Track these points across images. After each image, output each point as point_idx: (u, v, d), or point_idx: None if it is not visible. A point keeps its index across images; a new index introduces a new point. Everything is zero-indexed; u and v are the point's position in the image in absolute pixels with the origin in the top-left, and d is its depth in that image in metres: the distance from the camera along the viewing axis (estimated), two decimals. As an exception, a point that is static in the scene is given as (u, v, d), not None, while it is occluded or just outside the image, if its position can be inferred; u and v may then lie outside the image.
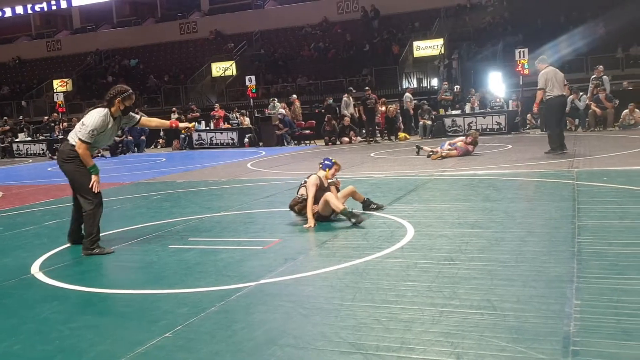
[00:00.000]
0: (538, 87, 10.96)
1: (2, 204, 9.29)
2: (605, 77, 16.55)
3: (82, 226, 5.54)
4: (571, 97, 16.25)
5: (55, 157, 19.44)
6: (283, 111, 19.80)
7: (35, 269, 4.87)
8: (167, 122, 6.30)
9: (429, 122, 18.27)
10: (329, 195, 5.89)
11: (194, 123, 6.73)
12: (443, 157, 11.36)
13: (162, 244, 5.55)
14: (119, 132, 20.42)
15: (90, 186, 5.35)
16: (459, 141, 11.83)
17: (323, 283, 3.95)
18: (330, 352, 2.81)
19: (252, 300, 3.73)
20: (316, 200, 5.93)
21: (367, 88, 18.81)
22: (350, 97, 19.00)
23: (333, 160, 6.32)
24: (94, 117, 5.33)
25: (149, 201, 8.69)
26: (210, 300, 3.73)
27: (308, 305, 3.51)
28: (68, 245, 5.73)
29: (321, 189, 6.03)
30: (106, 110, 5.39)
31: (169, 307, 3.69)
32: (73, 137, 5.43)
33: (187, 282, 4.24)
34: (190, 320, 3.38)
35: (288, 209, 6.16)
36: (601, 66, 17.03)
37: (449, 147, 11.68)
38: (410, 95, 19.52)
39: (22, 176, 14.92)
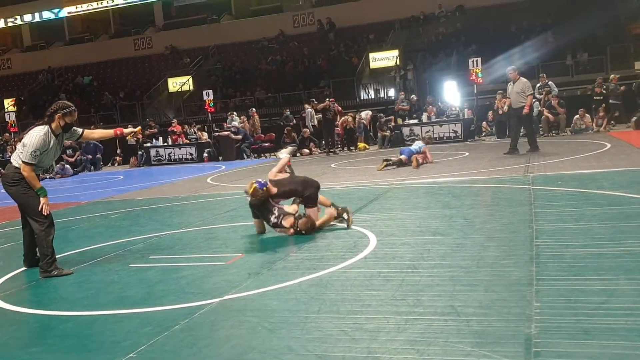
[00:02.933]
0: (528, 93, 11.96)
1: (-48, 228, 8.94)
2: (550, 82, 17.11)
3: (37, 249, 5.35)
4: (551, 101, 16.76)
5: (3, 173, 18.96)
6: (236, 123, 19.74)
7: (-11, 295, 4.70)
8: (110, 132, 6.05)
9: (387, 133, 18.51)
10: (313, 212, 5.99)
11: (139, 127, 6.52)
12: (398, 166, 11.48)
13: (123, 263, 5.45)
14: (70, 151, 20.09)
15: (39, 209, 5.16)
16: (421, 146, 11.95)
17: (288, 296, 3.94)
18: (298, 366, 2.81)
19: (217, 317, 3.69)
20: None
21: (331, 98, 18.93)
22: (313, 108, 18.97)
23: (265, 187, 5.89)
24: (34, 136, 5.12)
25: (107, 220, 8.52)
26: (173, 318, 3.68)
27: (273, 320, 3.50)
28: (24, 268, 5.56)
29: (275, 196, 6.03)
30: (46, 127, 5.18)
31: (132, 327, 3.62)
32: (16, 159, 5.23)
33: (150, 301, 4.16)
34: (154, 340, 3.32)
35: (262, 225, 6.13)
36: (543, 74, 17.65)
37: (416, 150, 11.77)
38: (369, 112, 19.89)
39: (-27, 199, 14.39)
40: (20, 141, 5.37)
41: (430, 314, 3.31)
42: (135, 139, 7.40)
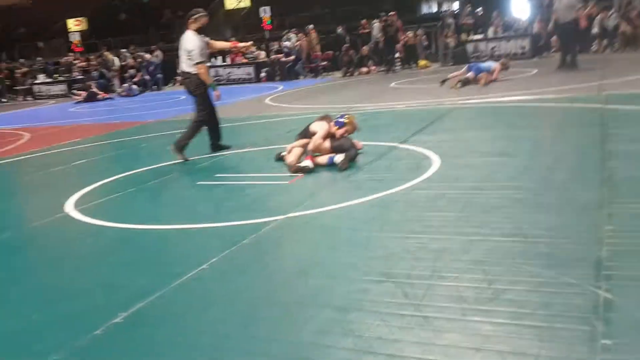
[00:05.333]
0: (579, 6, 11.85)
1: (29, 146, 9.43)
2: None
3: (214, 134, 6.75)
4: (599, 16, 15.69)
5: (76, 95, 19.63)
6: (289, 43, 19.41)
7: (69, 208, 4.99)
8: (228, 44, 6.90)
9: (452, 42, 17.60)
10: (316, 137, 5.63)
11: (251, 42, 7.21)
12: (464, 85, 11.13)
13: (191, 180, 5.65)
14: (134, 71, 20.46)
15: (216, 99, 6.49)
16: (491, 66, 11.51)
17: (350, 215, 4.00)
18: (362, 281, 2.88)
19: (282, 233, 3.80)
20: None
21: (392, 12, 18.26)
22: (382, 22, 18.29)
23: (346, 121, 5.81)
24: (191, 40, 6.20)
25: (173, 139, 8.73)
26: (241, 233, 3.81)
27: (336, 237, 3.57)
28: (100, 183, 5.86)
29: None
30: (190, 31, 6.23)
31: (203, 241, 3.79)
32: (189, 66, 6.34)
33: (218, 216, 4.32)
34: (224, 253, 3.46)
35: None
36: None
37: (485, 68, 11.36)
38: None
39: (47, 117, 15.05)
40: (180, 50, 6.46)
41: (496, 235, 3.28)
42: (248, 52, 7.99)
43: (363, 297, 2.70)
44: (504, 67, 11.58)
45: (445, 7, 24.44)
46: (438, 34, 17.58)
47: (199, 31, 6.33)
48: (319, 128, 5.73)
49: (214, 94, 6.54)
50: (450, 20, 17.90)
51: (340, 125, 5.80)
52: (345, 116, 5.87)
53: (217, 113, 6.81)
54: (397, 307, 2.57)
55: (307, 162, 5.47)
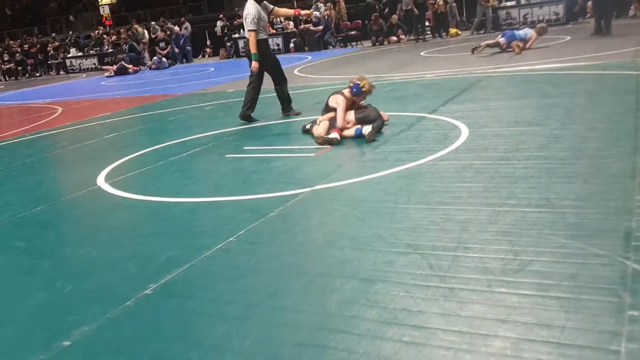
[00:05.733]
0: None
1: (62, 119, 9.63)
2: None
3: (282, 96, 7.21)
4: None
5: (105, 69, 19.87)
6: (317, 13, 19.18)
7: (101, 181, 5.11)
8: (291, 11, 7.04)
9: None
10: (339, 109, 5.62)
11: (311, 10, 7.57)
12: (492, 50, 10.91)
13: (219, 153, 5.69)
14: (163, 44, 20.57)
15: (252, 68, 6.78)
16: (527, 34, 11.22)
17: (377, 187, 4.00)
18: (387, 253, 2.89)
19: (309, 205, 3.83)
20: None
21: None
22: None
23: (363, 88, 5.78)
24: (248, 8, 6.51)
25: (202, 111, 8.83)
26: (269, 205, 3.85)
27: (363, 209, 3.58)
28: (129, 157, 5.98)
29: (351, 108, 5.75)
30: (250, 1, 6.55)
31: (231, 213, 3.84)
32: (245, 32, 6.79)
33: (246, 189, 4.37)
34: (252, 225, 3.51)
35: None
36: None
37: (522, 36, 11.08)
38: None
39: (78, 91, 15.30)
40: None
41: (523, 206, 3.25)
42: (309, 18, 8.19)
43: (389, 269, 2.72)
44: (541, 33, 11.25)
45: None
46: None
47: (260, 0, 6.62)
48: (337, 102, 5.71)
49: (253, 64, 6.83)
50: None
51: (359, 92, 5.78)
52: (360, 83, 5.77)
53: (280, 78, 7.15)
54: (423, 278, 2.58)
55: (334, 135, 5.47)
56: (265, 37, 6.72)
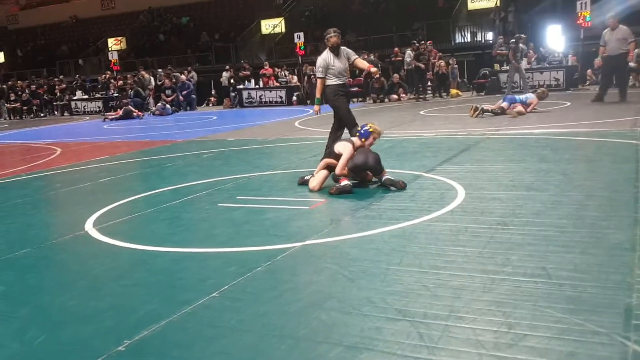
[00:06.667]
0: (631, 40, 11.76)
1: (59, 161, 9.58)
2: None
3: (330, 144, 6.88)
4: (636, 50, 15.37)
5: (106, 114, 20.03)
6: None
7: (89, 226, 4.99)
8: (366, 65, 7.11)
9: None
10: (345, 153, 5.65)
11: (376, 69, 7.45)
12: (494, 114, 11.02)
13: (212, 202, 5.60)
14: (169, 92, 20.82)
15: (313, 110, 7.32)
16: (528, 98, 11.38)
17: (369, 246, 3.89)
18: (376, 318, 2.76)
19: (298, 261, 3.71)
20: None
21: (427, 42, 18.28)
22: (414, 51, 18.23)
23: (370, 129, 5.84)
24: (320, 56, 6.98)
25: (200, 159, 8.78)
26: (257, 259, 3.73)
27: (354, 268, 3.46)
28: (121, 202, 5.88)
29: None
30: (326, 50, 6.93)
31: (217, 266, 3.72)
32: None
33: (235, 241, 4.26)
34: (237, 280, 3.39)
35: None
36: None
37: (522, 100, 11.24)
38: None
39: (80, 133, 15.35)
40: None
41: (519, 275, 3.14)
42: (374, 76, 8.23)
43: (376, 336, 2.58)
44: (542, 98, 11.40)
45: (479, 37, 24.26)
46: (508, 61, 16.33)
47: (334, 49, 6.88)
48: (344, 148, 5.73)
49: (314, 107, 7.33)
50: (522, 46, 16.10)
51: (366, 135, 5.85)
52: (368, 125, 5.90)
53: (340, 124, 7.15)
54: (411, 349, 2.44)
55: (346, 182, 5.47)
56: (334, 83, 6.94)
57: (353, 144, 5.79)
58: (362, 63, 7.15)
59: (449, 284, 3.09)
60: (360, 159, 5.62)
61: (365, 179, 5.82)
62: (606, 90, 12.07)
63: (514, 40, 15.56)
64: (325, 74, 6.91)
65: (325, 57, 6.90)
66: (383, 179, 5.54)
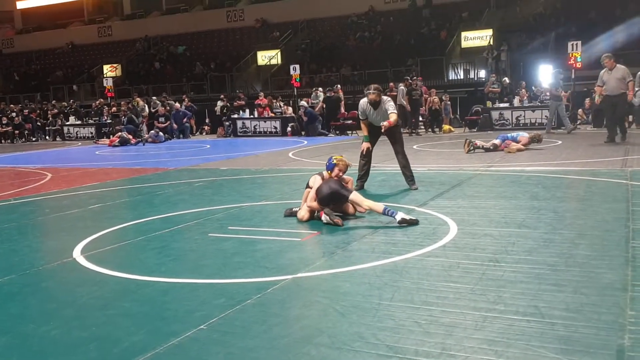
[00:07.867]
0: (629, 79, 11.80)
1: (49, 186, 9.51)
2: None
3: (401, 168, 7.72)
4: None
5: (99, 140, 20.00)
6: (305, 104, 19.59)
7: (77, 253, 4.92)
8: (394, 118, 7.33)
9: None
10: (356, 198, 5.68)
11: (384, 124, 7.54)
12: (485, 151, 11.14)
13: (202, 231, 5.55)
14: (163, 119, 20.87)
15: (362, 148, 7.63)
16: (519, 135, 11.54)
17: (361, 280, 3.85)
18: (367, 355, 2.71)
19: (289, 295, 3.66)
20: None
21: (418, 77, 18.54)
22: (406, 86, 18.45)
23: (334, 161, 5.99)
24: (360, 104, 7.58)
25: (191, 187, 8.75)
26: (246, 292, 3.68)
27: (345, 303, 3.42)
28: (110, 230, 5.81)
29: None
30: (366, 99, 7.46)
31: (206, 297, 3.66)
32: None
33: (225, 272, 4.20)
34: (226, 313, 3.33)
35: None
36: None
37: (513, 137, 11.38)
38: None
39: (71, 159, 15.28)
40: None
41: (511, 313, 3.10)
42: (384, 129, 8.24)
43: (366, 373, 2.53)
44: (533, 140, 11.49)
45: (471, 75, 24.63)
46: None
47: (373, 104, 7.42)
48: (313, 182, 5.93)
49: (363, 144, 7.73)
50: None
51: (331, 167, 6.00)
52: (333, 157, 6.04)
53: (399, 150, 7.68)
54: (401, 386, 2.39)
55: (335, 215, 5.59)
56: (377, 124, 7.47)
57: (322, 177, 5.95)
58: (393, 116, 7.43)
59: (441, 321, 3.05)
60: (323, 190, 5.70)
61: (345, 211, 5.81)
62: (615, 129, 11.91)
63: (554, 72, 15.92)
64: (364, 117, 7.61)
65: (364, 107, 7.52)
66: (398, 219, 5.28)
